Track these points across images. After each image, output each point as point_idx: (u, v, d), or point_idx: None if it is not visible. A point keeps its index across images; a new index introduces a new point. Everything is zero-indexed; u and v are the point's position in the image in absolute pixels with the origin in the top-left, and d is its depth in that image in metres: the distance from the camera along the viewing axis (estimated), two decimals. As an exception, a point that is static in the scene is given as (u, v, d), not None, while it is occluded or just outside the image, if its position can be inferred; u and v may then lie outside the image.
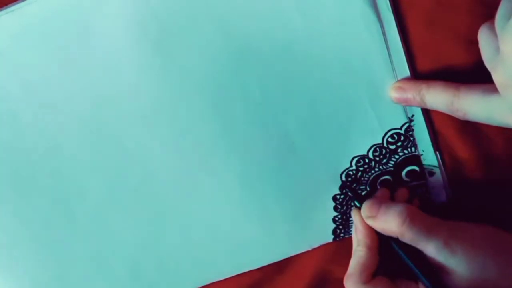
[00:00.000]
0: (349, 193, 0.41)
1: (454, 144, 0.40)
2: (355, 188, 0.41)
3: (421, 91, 0.37)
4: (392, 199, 0.40)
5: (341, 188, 0.41)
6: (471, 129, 0.40)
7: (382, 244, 0.38)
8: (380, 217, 0.37)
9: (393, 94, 0.39)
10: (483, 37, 0.33)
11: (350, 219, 0.42)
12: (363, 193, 0.41)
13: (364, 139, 0.40)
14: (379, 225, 0.37)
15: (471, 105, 0.35)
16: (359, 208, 0.39)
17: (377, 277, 0.37)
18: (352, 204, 0.41)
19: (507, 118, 0.33)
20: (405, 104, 0.39)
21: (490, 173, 0.41)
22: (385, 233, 0.37)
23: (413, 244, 0.36)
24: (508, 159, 0.40)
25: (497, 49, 0.31)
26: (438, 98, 0.37)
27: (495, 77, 0.32)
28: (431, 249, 0.35)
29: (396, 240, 0.37)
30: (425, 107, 0.38)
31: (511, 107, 0.32)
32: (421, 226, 0.35)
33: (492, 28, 0.32)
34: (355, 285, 0.37)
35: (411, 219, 0.36)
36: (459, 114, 0.36)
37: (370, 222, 0.38)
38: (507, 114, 0.33)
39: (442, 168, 0.41)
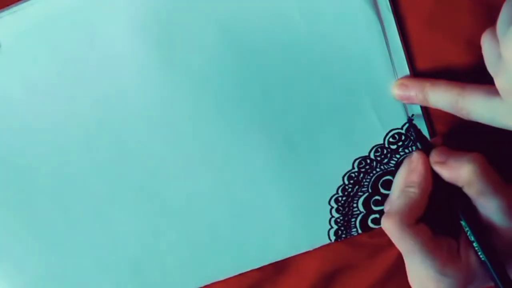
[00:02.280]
0: (413, 134, 0.40)
1: (453, 144, 0.40)
2: (419, 130, 0.40)
3: (424, 89, 0.37)
4: None
5: (409, 126, 0.40)
6: (470, 129, 0.40)
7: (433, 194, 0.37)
8: (450, 163, 0.36)
9: (396, 91, 0.39)
10: (486, 42, 0.33)
11: (352, 220, 0.42)
12: (364, 195, 0.41)
13: (365, 140, 0.40)
14: (447, 171, 0.36)
15: (475, 105, 0.35)
16: (421, 151, 0.38)
17: (420, 224, 0.36)
18: (413, 146, 0.40)
19: (509, 121, 0.33)
20: (407, 102, 0.39)
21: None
22: (450, 181, 0.36)
23: (475, 197, 0.35)
24: (507, 159, 0.40)
25: (500, 55, 0.31)
26: (443, 96, 0.36)
27: (497, 82, 0.32)
28: (492, 207, 0.35)
29: (456, 192, 0.36)
30: (427, 105, 0.38)
31: None
32: (490, 180, 0.35)
33: (495, 34, 0.32)
34: (397, 224, 0.36)
35: (483, 169, 0.35)
36: (463, 113, 0.36)
37: (437, 167, 0.37)
38: (509, 117, 0.33)
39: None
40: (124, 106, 0.39)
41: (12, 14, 0.38)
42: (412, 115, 0.40)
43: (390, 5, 0.38)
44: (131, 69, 0.39)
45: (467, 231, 0.36)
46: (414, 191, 0.37)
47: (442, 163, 0.37)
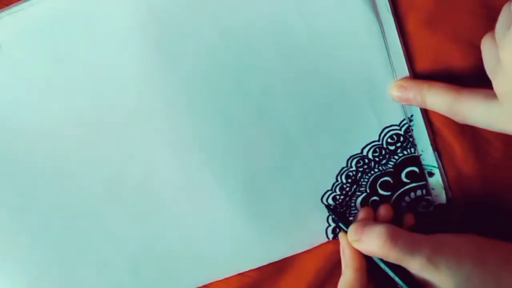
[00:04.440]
0: (334, 217, 0.41)
1: (453, 145, 0.40)
2: (341, 212, 0.41)
3: (422, 91, 0.37)
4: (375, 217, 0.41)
5: (329, 211, 0.41)
6: (469, 130, 0.40)
7: (371, 264, 0.38)
8: (363, 239, 0.37)
9: (394, 92, 0.39)
10: (485, 46, 0.33)
11: (350, 219, 0.42)
12: (362, 195, 0.41)
13: (364, 140, 0.41)
14: (363, 248, 0.37)
15: (471, 110, 0.35)
16: (346, 232, 0.39)
17: None
18: (339, 228, 0.41)
19: (506, 125, 0.34)
20: (406, 103, 0.39)
21: (488, 173, 0.41)
22: (370, 255, 0.38)
23: (398, 263, 0.36)
24: (505, 160, 0.41)
25: (498, 59, 0.31)
26: (439, 99, 0.37)
27: (495, 85, 0.33)
28: (415, 266, 0.35)
29: (382, 259, 0.37)
30: (425, 107, 0.38)
31: (510, 115, 0.33)
32: (402, 245, 0.35)
33: (495, 38, 0.32)
34: None
35: (392, 239, 0.36)
36: (458, 118, 0.36)
37: (355, 245, 0.38)
38: (506, 121, 0.33)
39: (442, 169, 0.41)
40: (123, 105, 0.39)
41: (12, 15, 0.38)
42: (412, 115, 0.40)
43: (390, 6, 0.38)
44: (130, 69, 0.39)
45: None
46: (348, 271, 0.38)
47: (357, 240, 0.38)
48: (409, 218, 0.41)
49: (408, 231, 0.37)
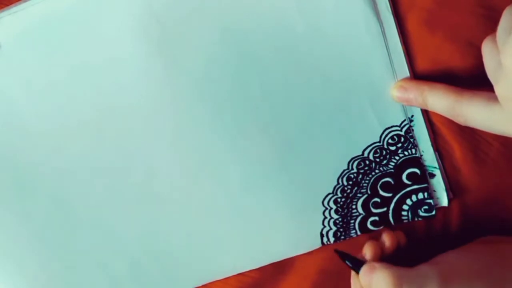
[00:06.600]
0: (346, 262, 0.40)
1: (453, 145, 0.40)
2: (350, 255, 0.40)
3: (423, 93, 0.37)
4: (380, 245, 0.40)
5: (340, 256, 0.40)
6: (469, 131, 0.40)
7: None
8: (373, 286, 0.37)
9: (395, 93, 0.39)
10: (486, 50, 0.33)
11: (351, 222, 0.42)
12: (363, 197, 0.41)
13: (364, 141, 0.41)
14: None
15: (472, 112, 0.35)
16: (356, 274, 0.39)
17: None
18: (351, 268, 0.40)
19: (507, 128, 0.33)
20: (406, 104, 0.39)
21: (486, 174, 0.41)
22: None
23: None
24: (503, 161, 0.40)
25: (500, 63, 0.31)
26: (440, 101, 0.37)
27: (497, 89, 0.32)
28: None
29: None
30: (425, 108, 0.38)
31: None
32: (409, 285, 0.35)
33: (495, 41, 0.32)
34: None
35: (397, 284, 0.35)
36: (459, 120, 0.36)
37: None
38: (507, 124, 0.33)
39: (443, 170, 0.41)
40: (124, 106, 0.40)
41: (12, 15, 0.38)
42: (412, 116, 0.40)
43: (390, 6, 0.38)
44: (131, 71, 0.39)
45: None
46: None
47: (368, 286, 0.37)
48: (400, 238, 0.40)
49: (411, 268, 0.36)
